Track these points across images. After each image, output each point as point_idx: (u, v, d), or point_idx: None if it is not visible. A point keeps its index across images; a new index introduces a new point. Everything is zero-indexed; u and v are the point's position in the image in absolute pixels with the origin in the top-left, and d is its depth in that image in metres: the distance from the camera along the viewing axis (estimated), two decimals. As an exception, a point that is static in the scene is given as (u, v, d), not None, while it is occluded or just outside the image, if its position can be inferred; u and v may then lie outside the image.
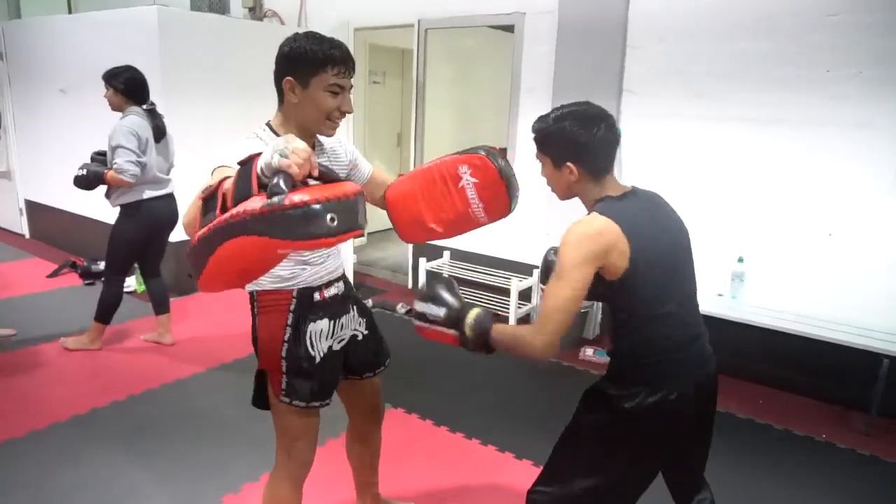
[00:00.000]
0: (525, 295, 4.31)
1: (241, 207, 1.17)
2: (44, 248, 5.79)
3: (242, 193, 1.18)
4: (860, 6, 2.96)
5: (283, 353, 1.64)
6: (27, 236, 6.20)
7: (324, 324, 1.69)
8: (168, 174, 3.46)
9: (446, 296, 1.57)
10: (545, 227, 4.15)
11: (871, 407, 2.96)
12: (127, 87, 3.23)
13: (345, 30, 4.56)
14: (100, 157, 3.31)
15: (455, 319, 1.53)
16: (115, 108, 3.27)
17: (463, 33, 5.17)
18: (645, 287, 1.46)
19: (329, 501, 2.30)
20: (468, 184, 1.73)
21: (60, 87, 5.19)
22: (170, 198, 3.45)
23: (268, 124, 1.60)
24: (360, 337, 1.85)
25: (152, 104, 3.33)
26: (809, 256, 3.26)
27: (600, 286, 1.47)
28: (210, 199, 1.28)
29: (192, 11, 5.40)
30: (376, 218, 7.67)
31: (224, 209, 1.23)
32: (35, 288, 4.69)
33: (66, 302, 4.39)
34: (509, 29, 4.22)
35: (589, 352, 3.77)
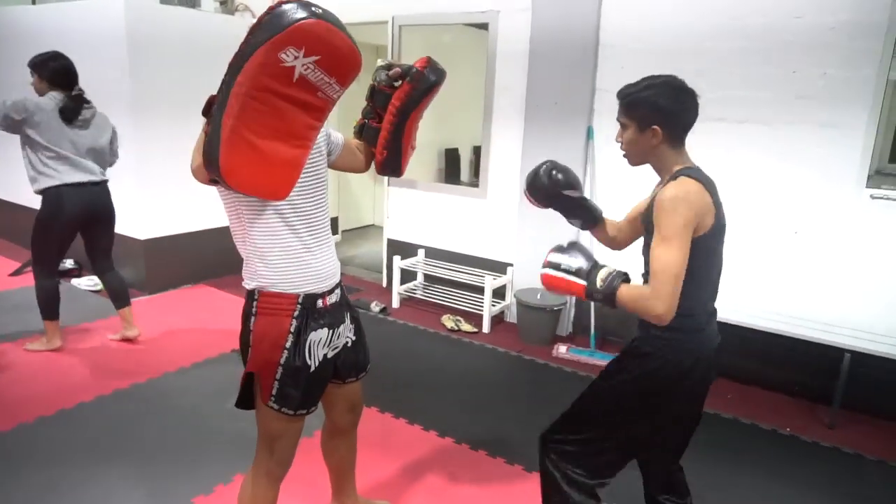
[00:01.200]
0: (499, 293, 4.34)
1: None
2: (5, 246, 5.63)
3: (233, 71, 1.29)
4: (826, 8, 3.04)
5: (282, 360, 1.60)
6: (-11, 233, 6.02)
7: (323, 333, 1.67)
8: (102, 165, 3.38)
9: (584, 251, 1.65)
10: (518, 227, 4.17)
11: (834, 400, 3.05)
12: (50, 74, 3.19)
13: (318, 25, 4.53)
14: None
15: (587, 272, 1.60)
16: (40, 94, 3.23)
17: (437, 30, 5.16)
18: (707, 253, 1.57)
19: (307, 500, 2.29)
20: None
21: (25, 80, 5.04)
22: (98, 187, 3.35)
23: None
24: (349, 343, 1.84)
25: (79, 90, 3.26)
26: (775, 254, 3.34)
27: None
28: (209, 108, 1.35)
29: (161, 5, 5.30)
30: (350, 216, 7.59)
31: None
32: (-2, 287, 4.56)
33: (30, 301, 4.26)
34: (484, 27, 4.23)
35: (562, 349, 3.80)
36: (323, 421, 2.05)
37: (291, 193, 1.54)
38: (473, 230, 4.51)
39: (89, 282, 4.54)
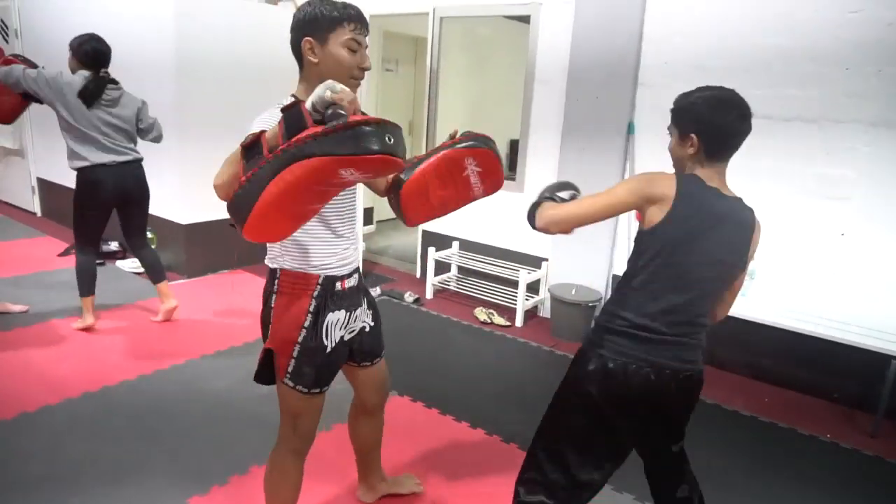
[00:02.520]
0: (533, 287, 4.32)
1: (301, 136, 1.27)
2: (55, 227, 5.83)
3: (293, 131, 1.29)
4: (881, 2, 2.93)
5: (299, 339, 1.65)
6: (39, 214, 6.25)
7: (341, 314, 1.71)
8: (131, 142, 3.46)
9: (555, 184, 1.83)
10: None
11: (878, 408, 2.95)
12: (82, 55, 3.28)
13: (359, 16, 4.55)
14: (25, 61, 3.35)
15: (548, 196, 1.79)
16: (73, 72, 3.32)
17: (478, 22, 5.15)
18: (667, 256, 1.54)
19: (336, 484, 2.32)
20: (472, 172, 1.80)
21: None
22: (125, 166, 3.41)
23: (292, 95, 1.62)
24: (367, 328, 1.88)
25: (105, 73, 3.33)
26: (821, 256, 3.24)
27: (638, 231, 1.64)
28: (252, 147, 1.36)
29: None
30: (385, 207, 7.66)
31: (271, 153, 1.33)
32: (46, 266, 4.73)
33: (76, 280, 4.42)
34: (525, 19, 4.19)
35: (595, 345, 3.77)
36: (348, 407, 2.08)
37: None
38: (509, 224, 4.49)
39: (133, 264, 4.67)
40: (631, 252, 1.64)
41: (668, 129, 1.67)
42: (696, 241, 1.54)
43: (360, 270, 1.84)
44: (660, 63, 3.60)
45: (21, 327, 3.58)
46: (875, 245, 3.09)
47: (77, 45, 3.29)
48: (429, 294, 4.61)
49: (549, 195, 1.77)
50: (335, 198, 1.64)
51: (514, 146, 5.35)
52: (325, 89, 1.30)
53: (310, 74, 1.59)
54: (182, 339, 3.58)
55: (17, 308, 3.79)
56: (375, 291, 4.54)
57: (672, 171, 1.68)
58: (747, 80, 3.30)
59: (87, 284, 3.51)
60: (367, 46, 1.61)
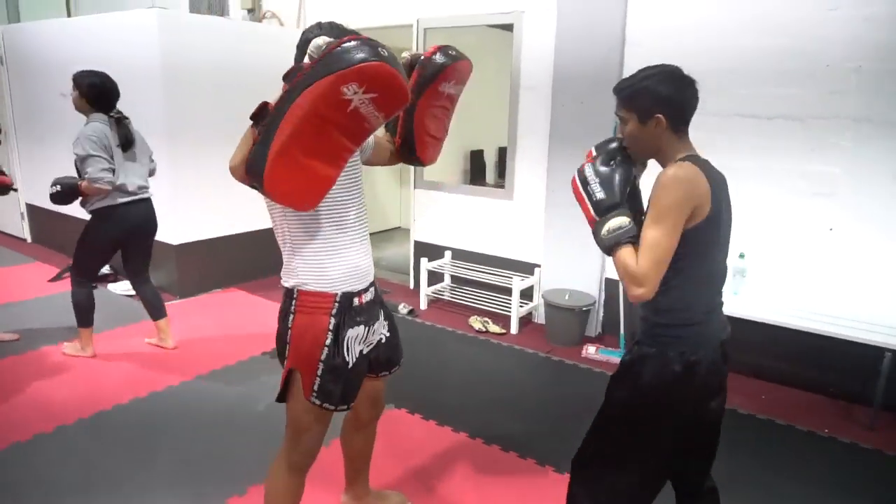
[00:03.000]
0: (527, 294, 4.32)
1: (298, 75, 1.34)
2: (45, 253, 5.80)
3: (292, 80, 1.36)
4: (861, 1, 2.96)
5: (322, 357, 1.65)
6: (29, 241, 6.22)
7: (360, 329, 1.72)
8: (144, 181, 3.43)
9: (618, 181, 1.55)
10: (545, 227, 4.15)
11: (874, 401, 2.96)
12: (91, 93, 3.20)
13: (343, 30, 4.57)
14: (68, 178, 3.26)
15: (604, 209, 1.52)
16: (79, 110, 3.26)
17: (462, 32, 5.17)
18: (710, 244, 1.53)
19: (335, 497, 2.31)
20: (449, 88, 1.85)
21: (61, 91, 5.19)
22: (145, 203, 3.42)
23: None
24: (383, 340, 1.91)
25: (118, 112, 3.29)
26: (811, 251, 3.26)
27: None
28: (259, 115, 1.41)
29: (191, 14, 5.41)
30: (376, 219, 7.63)
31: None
32: (37, 292, 4.69)
33: (68, 306, 4.38)
34: (508, 28, 4.22)
35: (591, 350, 3.77)
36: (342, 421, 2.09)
37: (333, 196, 1.62)
38: (500, 231, 4.50)
39: (125, 286, 4.65)
40: (684, 250, 1.50)
41: (619, 115, 1.59)
42: (724, 215, 1.55)
43: (376, 283, 1.85)
44: (644, 65, 3.60)
45: (13, 356, 3.55)
46: (863, 239, 3.11)
47: (81, 80, 3.21)
48: (423, 305, 4.60)
49: (615, 225, 1.51)
50: (342, 208, 1.67)
51: (502, 153, 5.36)
52: (320, 39, 1.39)
53: None
54: (176, 359, 3.55)
55: (8, 337, 3.76)
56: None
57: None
58: (731, 80, 3.33)
59: (87, 316, 3.49)
60: None
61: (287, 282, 1.69)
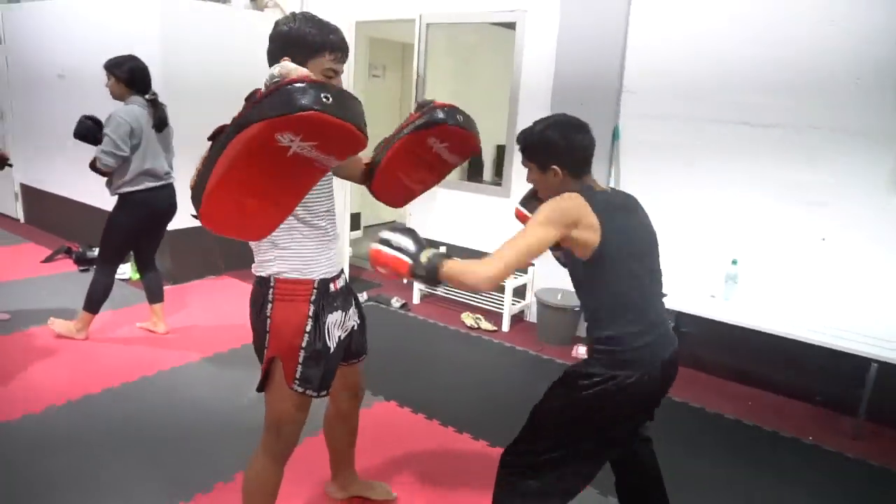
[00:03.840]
0: (519, 292, 4.34)
1: (242, 110, 1.28)
2: (39, 234, 5.77)
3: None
4: (860, 13, 2.98)
5: (304, 343, 1.67)
6: (22, 221, 6.19)
7: (338, 315, 1.76)
8: (169, 165, 3.44)
9: (415, 237, 1.66)
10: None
11: (860, 411, 2.99)
12: (129, 76, 3.20)
13: (346, 23, 4.55)
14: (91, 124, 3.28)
15: (415, 253, 1.61)
16: (117, 97, 3.25)
17: (464, 28, 5.17)
18: (618, 268, 1.62)
19: (313, 489, 2.32)
20: (440, 149, 1.85)
21: (59, 72, 5.17)
22: (169, 188, 3.43)
23: None
24: (355, 327, 1.91)
25: (154, 94, 3.30)
26: (803, 260, 3.29)
27: (578, 268, 1.67)
28: (216, 136, 1.35)
29: (193, 0, 5.38)
30: (372, 213, 7.63)
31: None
32: (29, 273, 4.68)
33: (61, 288, 4.39)
34: (511, 26, 4.22)
35: (582, 350, 3.79)
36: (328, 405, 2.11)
37: (309, 197, 1.62)
38: (495, 229, 4.50)
39: (119, 270, 4.63)
40: (596, 280, 1.65)
41: (524, 164, 1.74)
42: (624, 239, 1.63)
43: (346, 271, 1.86)
44: (644, 70, 3.63)
45: (3, 335, 3.55)
46: (854, 250, 3.14)
47: (118, 66, 3.19)
48: (416, 299, 4.61)
49: (428, 254, 1.61)
50: (315, 203, 1.67)
51: (500, 151, 5.36)
52: (277, 67, 1.32)
53: None
54: (167, 345, 3.55)
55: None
56: (362, 297, 4.54)
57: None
58: (729, 87, 3.35)
59: (98, 303, 3.47)
60: (342, 73, 1.64)
61: (262, 271, 1.68)
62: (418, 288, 4.60)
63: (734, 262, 3.42)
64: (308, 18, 1.57)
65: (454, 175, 6.17)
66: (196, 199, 1.35)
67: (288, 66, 1.34)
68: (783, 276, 3.35)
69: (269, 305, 1.67)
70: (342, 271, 1.83)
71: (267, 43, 1.61)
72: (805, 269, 3.29)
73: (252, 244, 1.70)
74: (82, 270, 4.74)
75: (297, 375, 1.67)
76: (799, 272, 3.31)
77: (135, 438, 2.62)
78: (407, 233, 1.65)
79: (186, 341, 3.61)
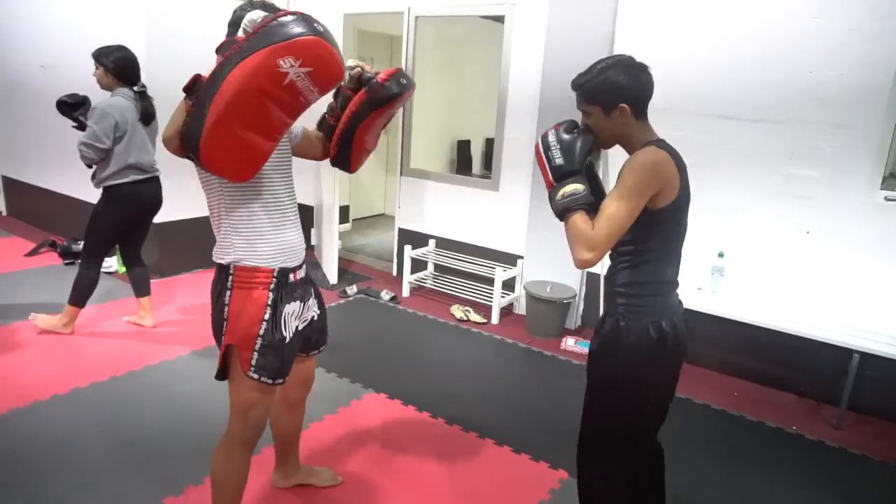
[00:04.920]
0: (509, 284, 4.35)
1: (233, 46, 1.36)
2: (22, 227, 5.69)
3: (226, 51, 1.39)
4: (845, 8, 3.01)
5: (261, 332, 1.69)
6: (4, 214, 6.10)
7: (296, 306, 1.78)
8: (153, 157, 3.41)
9: (579, 149, 1.59)
10: (529, 220, 4.18)
11: (841, 401, 3.05)
12: (117, 66, 3.17)
13: (334, 14, 4.52)
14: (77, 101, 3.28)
15: (562, 175, 1.58)
16: (105, 87, 3.22)
17: (453, 21, 5.16)
18: (674, 224, 1.63)
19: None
20: (391, 113, 1.87)
21: (41, 63, 5.09)
22: (155, 181, 3.41)
23: None
24: (315, 318, 1.93)
25: (143, 86, 3.27)
26: (787, 253, 3.33)
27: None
28: (192, 87, 1.43)
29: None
30: (361, 205, 7.59)
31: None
32: (12, 266, 4.62)
33: (45, 281, 4.34)
34: (500, 19, 4.22)
35: (571, 342, 3.82)
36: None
37: (268, 175, 1.68)
38: (485, 222, 4.52)
39: (105, 263, 4.59)
40: (652, 228, 1.60)
41: (581, 110, 1.64)
42: (687, 196, 1.64)
43: (306, 262, 1.89)
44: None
45: (-13, 329, 3.51)
46: (838, 243, 3.19)
47: (106, 56, 3.15)
48: (405, 292, 4.61)
49: (571, 190, 1.55)
50: (276, 187, 1.71)
51: (489, 145, 5.37)
52: (255, 13, 1.43)
53: None
54: (156, 339, 3.53)
55: (-17, 310, 3.70)
56: (352, 289, 4.53)
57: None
58: (716, 82, 3.38)
59: (84, 296, 3.43)
60: None
61: (222, 259, 1.71)
62: (407, 281, 4.60)
63: (720, 255, 3.46)
64: (265, 2, 1.64)
65: (443, 167, 6.20)
66: (193, 137, 1.39)
67: (263, 13, 1.45)
68: (768, 269, 3.40)
69: (228, 293, 1.69)
70: (303, 263, 1.85)
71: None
72: (790, 261, 3.33)
73: (214, 230, 1.74)
74: (67, 264, 4.69)
75: (253, 363, 1.69)
76: (784, 265, 3.35)
77: (124, 433, 2.60)
78: (569, 143, 1.58)
79: (174, 335, 3.59)
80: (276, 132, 1.51)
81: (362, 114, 1.82)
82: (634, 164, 1.53)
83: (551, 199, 1.58)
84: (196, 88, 1.42)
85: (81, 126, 3.22)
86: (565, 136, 1.60)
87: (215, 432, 2.60)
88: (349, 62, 1.81)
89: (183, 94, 1.52)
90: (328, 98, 1.95)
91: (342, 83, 1.89)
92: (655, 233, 1.60)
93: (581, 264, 1.51)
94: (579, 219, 1.52)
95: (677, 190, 1.57)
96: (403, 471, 2.48)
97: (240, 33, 1.43)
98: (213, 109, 1.37)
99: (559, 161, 1.58)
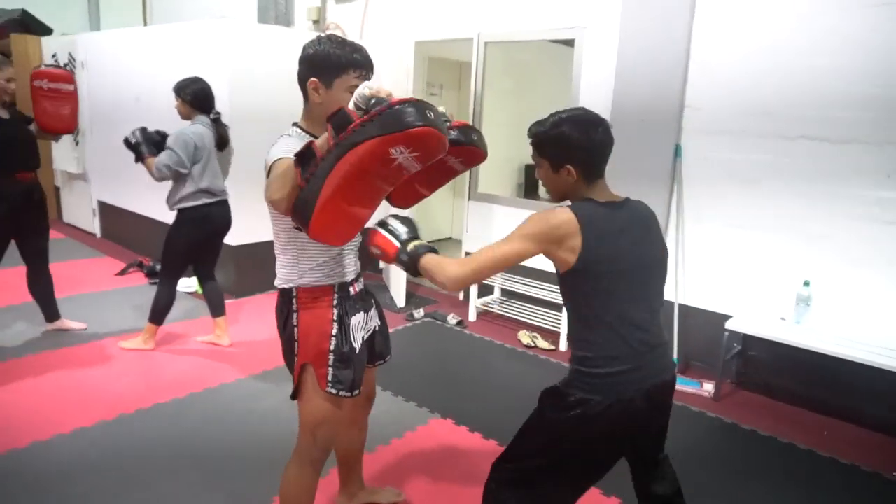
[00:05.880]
0: (577, 310, 4.25)
1: (349, 127, 1.38)
2: (113, 248, 6.07)
3: (340, 130, 1.39)
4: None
5: (332, 347, 1.73)
6: (98, 235, 6.53)
7: (360, 317, 1.82)
8: (223, 181, 3.58)
9: (412, 226, 1.79)
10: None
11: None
12: (194, 98, 3.39)
13: (406, 43, 4.63)
14: (156, 136, 3.45)
15: (405, 240, 1.73)
16: (184, 117, 3.44)
17: (522, 46, 5.18)
18: (597, 292, 1.55)
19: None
20: (454, 162, 1.92)
21: (135, 95, 5.45)
22: (225, 204, 3.57)
23: (295, 124, 1.76)
24: (377, 328, 1.97)
25: (217, 113, 3.47)
26: (881, 282, 3.10)
27: (559, 277, 1.62)
28: (304, 155, 1.45)
29: (258, 24, 5.60)
30: (428, 228, 7.64)
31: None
32: (104, 286, 4.92)
33: (132, 300, 4.59)
34: (569, 43, 4.20)
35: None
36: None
37: None
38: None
39: (184, 284, 4.81)
40: (569, 297, 1.64)
41: (533, 158, 1.66)
42: (620, 260, 1.55)
43: (360, 274, 1.92)
44: (708, 85, 3.54)
45: (80, 344, 3.73)
46: (941, 271, 2.94)
47: (183, 89, 3.39)
48: (472, 316, 4.59)
49: (416, 244, 1.72)
50: None
51: (557, 169, 5.29)
52: (364, 87, 1.43)
53: (312, 109, 1.72)
54: (231, 358, 3.65)
55: (76, 325, 3.95)
56: (419, 313, 4.56)
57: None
58: (801, 101, 3.22)
59: (162, 314, 3.63)
60: None
61: (284, 284, 1.76)
62: (474, 306, 4.58)
63: (806, 284, 3.26)
64: (332, 40, 1.66)
65: (510, 191, 6.18)
66: (305, 213, 1.44)
67: (372, 85, 1.46)
68: (860, 299, 3.17)
69: (295, 315, 1.75)
70: (360, 275, 1.89)
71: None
72: (884, 291, 3.10)
73: (278, 258, 1.79)
74: (152, 283, 4.95)
75: (330, 378, 1.73)
76: (877, 294, 3.12)
77: (199, 449, 2.69)
78: (405, 222, 1.76)
79: (248, 354, 3.71)
80: (378, 200, 1.56)
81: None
82: (530, 216, 1.56)
83: (399, 260, 1.69)
84: (307, 157, 1.44)
85: (137, 153, 3.39)
86: (399, 218, 1.79)
87: (286, 452, 2.65)
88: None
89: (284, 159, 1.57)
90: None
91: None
92: (583, 303, 1.58)
93: (448, 283, 1.56)
94: (432, 256, 1.63)
95: (577, 254, 1.51)
96: (466, 499, 2.43)
97: (350, 105, 1.45)
98: (326, 190, 1.41)
99: (402, 230, 1.74)
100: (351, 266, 1.82)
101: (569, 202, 1.62)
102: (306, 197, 1.43)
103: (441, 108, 1.85)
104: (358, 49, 1.66)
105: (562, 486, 1.67)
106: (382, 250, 1.73)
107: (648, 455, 1.79)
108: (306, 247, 1.72)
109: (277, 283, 1.79)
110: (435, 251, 1.68)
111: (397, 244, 1.71)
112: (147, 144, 3.39)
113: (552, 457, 1.64)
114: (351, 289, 1.80)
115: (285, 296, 1.78)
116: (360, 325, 1.81)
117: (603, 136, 1.58)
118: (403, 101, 1.37)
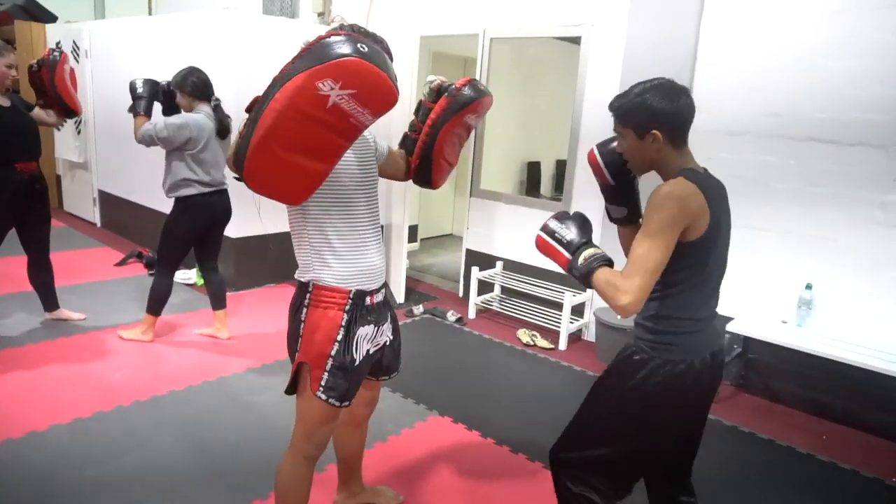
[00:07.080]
0: (578, 310, 4.25)
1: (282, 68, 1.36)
2: (113, 238, 6.06)
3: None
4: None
5: (333, 352, 1.69)
6: (98, 225, 6.51)
7: (369, 329, 1.77)
8: (223, 171, 3.54)
9: (580, 226, 1.66)
10: (600, 244, 4.07)
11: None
12: (193, 88, 3.37)
13: (411, 37, 4.60)
14: (161, 94, 3.42)
15: (576, 247, 1.61)
16: (187, 109, 3.41)
17: (528, 43, 5.15)
18: (708, 256, 1.55)
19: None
20: (471, 120, 1.91)
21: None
22: (224, 193, 3.54)
23: None
24: (388, 342, 1.93)
25: (217, 100, 3.44)
26: (885, 286, 3.09)
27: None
28: (252, 107, 1.43)
29: (263, 15, 5.57)
30: (429, 225, 7.66)
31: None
32: (103, 276, 4.91)
33: (131, 290, 4.58)
34: (576, 40, 4.17)
35: (642, 372, 3.67)
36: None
37: (349, 195, 1.69)
38: (554, 245, 4.43)
39: (184, 276, 4.80)
40: (679, 268, 1.55)
41: (616, 130, 1.63)
42: (722, 227, 1.58)
43: (387, 286, 1.89)
44: (716, 84, 3.51)
45: (79, 334, 3.72)
46: (945, 277, 2.93)
47: (182, 81, 3.36)
48: (471, 314, 4.58)
49: (586, 255, 1.57)
50: (360, 208, 1.72)
51: (560, 166, 5.30)
52: (430, 78, 1.50)
53: None
54: (230, 351, 3.64)
55: (76, 316, 3.93)
56: (418, 309, 4.54)
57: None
58: (809, 104, 3.20)
59: (159, 304, 3.61)
60: None
61: (303, 276, 1.74)
62: (474, 303, 4.57)
63: (808, 287, 3.25)
64: (355, 30, 1.63)
65: (513, 189, 6.17)
66: (240, 158, 1.41)
67: (435, 77, 1.53)
68: (863, 303, 3.16)
69: (304, 310, 1.72)
70: (384, 286, 1.84)
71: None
72: (887, 295, 3.08)
73: (295, 249, 1.76)
74: (151, 274, 4.92)
75: (323, 383, 1.70)
76: (880, 298, 3.11)
77: (197, 443, 2.68)
78: (573, 223, 1.65)
79: (247, 348, 3.70)
80: (330, 155, 1.50)
81: (441, 121, 1.85)
82: (658, 199, 1.47)
83: (572, 268, 1.58)
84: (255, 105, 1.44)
85: (133, 105, 3.35)
86: (566, 219, 1.67)
87: (284, 445, 2.64)
88: (429, 77, 1.90)
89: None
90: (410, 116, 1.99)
91: (423, 96, 1.92)
92: (684, 266, 1.53)
93: (622, 312, 1.45)
94: (604, 272, 1.51)
95: (707, 224, 1.50)
96: (464, 497, 2.42)
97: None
98: (257, 133, 1.37)
99: (570, 236, 1.62)
100: (373, 274, 1.76)
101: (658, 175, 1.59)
102: (241, 144, 1.40)
103: (430, 77, 1.88)
104: (379, 41, 1.63)
105: (631, 463, 1.69)
106: (555, 260, 1.64)
107: (691, 451, 1.79)
108: (316, 241, 1.70)
109: (296, 274, 1.78)
110: (609, 262, 1.55)
111: (567, 255, 1.60)
112: (147, 101, 3.36)
113: (621, 438, 1.65)
114: (368, 298, 1.74)
115: (301, 288, 1.76)
116: (367, 338, 1.76)
117: (687, 102, 1.56)
118: (335, 34, 1.34)
